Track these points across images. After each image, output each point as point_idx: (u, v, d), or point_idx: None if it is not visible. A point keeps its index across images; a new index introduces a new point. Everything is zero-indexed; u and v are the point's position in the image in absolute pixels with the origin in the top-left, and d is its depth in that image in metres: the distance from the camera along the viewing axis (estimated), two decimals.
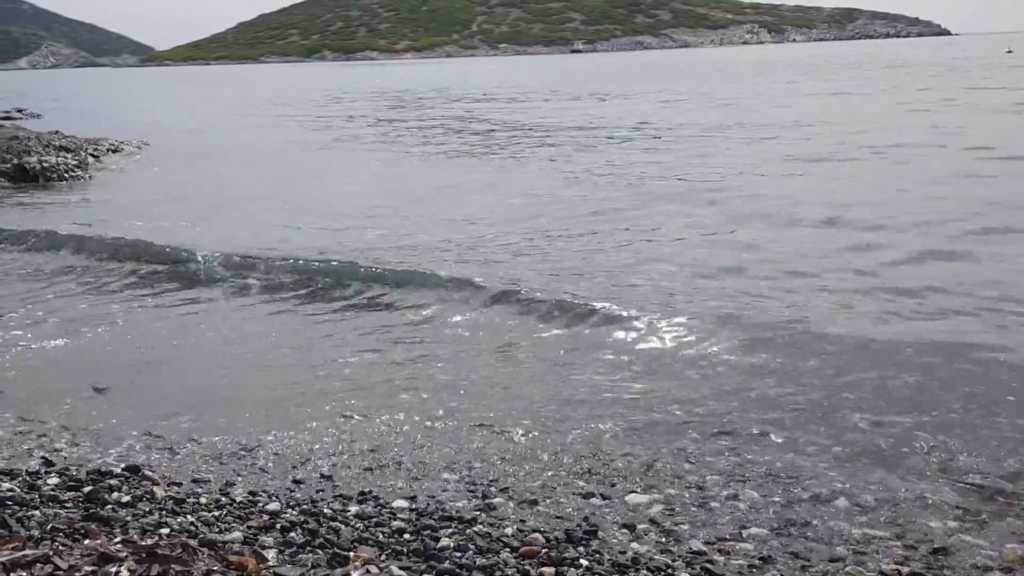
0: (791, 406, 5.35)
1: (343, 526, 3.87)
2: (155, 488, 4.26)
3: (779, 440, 4.95)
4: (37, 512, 3.65)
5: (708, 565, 3.65)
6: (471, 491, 4.43)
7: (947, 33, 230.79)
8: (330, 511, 4.12)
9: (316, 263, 9.01)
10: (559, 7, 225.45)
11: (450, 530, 3.90)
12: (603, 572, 3.51)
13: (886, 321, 6.83)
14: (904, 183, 13.00)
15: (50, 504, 3.85)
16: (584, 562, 3.57)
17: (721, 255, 9.10)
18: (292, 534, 3.71)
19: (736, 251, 9.18)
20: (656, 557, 3.72)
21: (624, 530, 4.00)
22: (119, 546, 3.05)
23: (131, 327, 7.58)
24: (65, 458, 4.82)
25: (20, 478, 4.30)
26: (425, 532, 3.86)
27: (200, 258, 9.36)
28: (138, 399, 5.86)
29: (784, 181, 13.81)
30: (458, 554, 3.56)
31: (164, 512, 3.89)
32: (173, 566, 2.82)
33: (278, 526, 3.81)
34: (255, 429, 5.29)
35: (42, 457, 4.78)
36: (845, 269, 8.36)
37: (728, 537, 3.95)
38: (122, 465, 4.68)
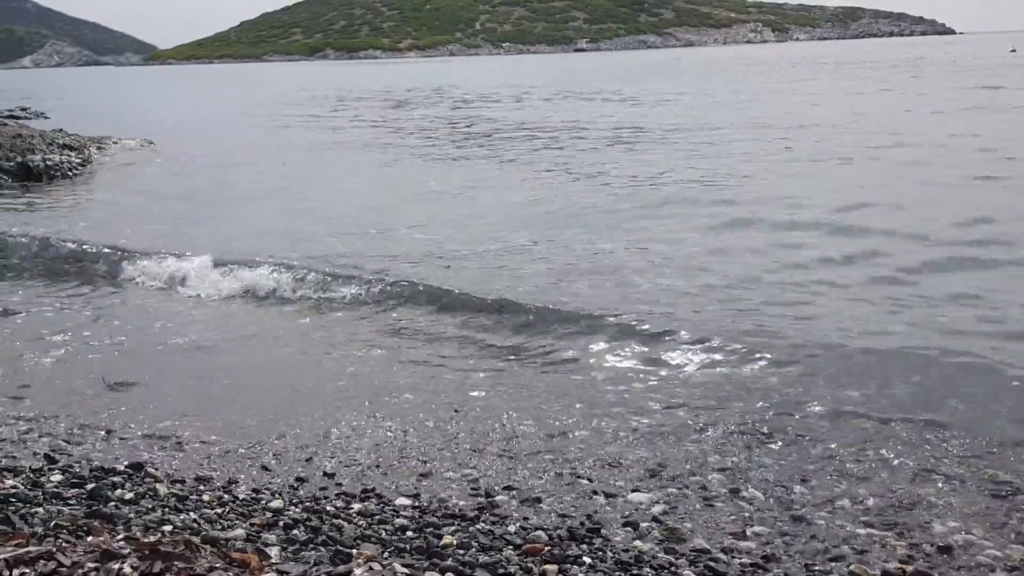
0: (793, 407, 5.35)
1: (346, 524, 3.87)
2: (158, 485, 4.26)
3: (782, 440, 4.94)
4: (40, 509, 3.66)
5: (711, 563, 3.64)
6: (474, 489, 4.43)
7: (951, 32, 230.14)
8: (333, 508, 4.12)
9: (315, 267, 8.97)
10: (562, 6, 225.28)
11: (453, 528, 3.90)
12: (606, 570, 3.51)
13: (888, 322, 6.82)
14: (916, 184, 12.95)
15: (53, 501, 3.86)
16: (587, 560, 3.57)
17: (725, 258, 9.09)
18: (295, 531, 3.71)
19: (742, 255, 9.17)
20: (659, 555, 3.72)
21: (627, 528, 4.00)
22: (122, 543, 3.05)
23: (131, 327, 7.58)
24: (69, 455, 4.83)
25: (24, 475, 4.30)
26: (428, 530, 3.86)
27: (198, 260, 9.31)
28: (141, 398, 5.87)
29: (791, 182, 13.75)
30: (461, 551, 3.56)
31: (167, 509, 3.90)
32: (176, 563, 2.82)
33: (281, 523, 3.81)
34: (256, 428, 5.29)
35: (46, 454, 4.79)
36: (846, 270, 8.34)
37: (731, 535, 3.94)
38: (125, 462, 4.69)
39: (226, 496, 4.24)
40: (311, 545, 3.51)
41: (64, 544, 2.99)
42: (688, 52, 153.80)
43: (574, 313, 7.14)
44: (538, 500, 4.30)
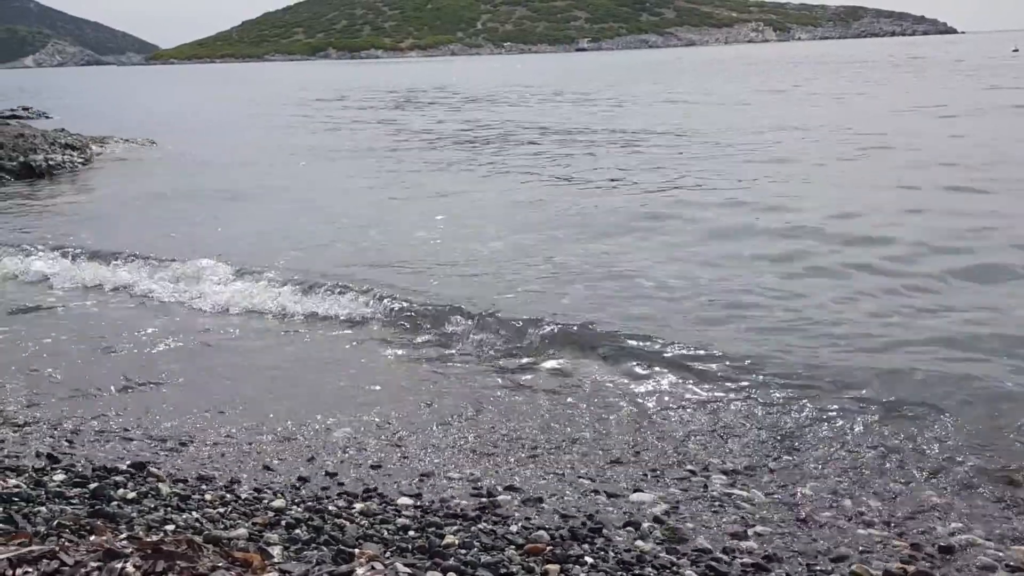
0: (794, 408, 5.35)
1: (348, 523, 3.87)
2: (160, 485, 4.26)
3: (783, 441, 4.94)
4: (43, 508, 3.66)
5: (713, 563, 3.64)
6: (476, 489, 4.43)
7: (953, 31, 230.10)
8: (335, 508, 4.12)
9: (317, 269, 8.96)
10: (564, 5, 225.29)
11: (455, 527, 3.90)
12: (608, 570, 3.51)
13: (889, 324, 6.82)
14: (916, 184, 12.93)
15: (56, 500, 3.86)
16: (589, 559, 3.57)
17: (726, 263, 9.08)
18: (297, 531, 3.71)
19: (743, 260, 9.16)
20: (661, 555, 3.72)
21: (629, 528, 4.00)
22: (124, 542, 3.05)
23: (132, 328, 7.59)
24: (71, 455, 4.84)
25: (26, 474, 4.31)
26: (430, 529, 3.86)
27: (204, 262, 9.31)
28: (143, 399, 5.88)
29: (789, 186, 13.71)
30: (463, 551, 3.56)
31: (169, 509, 3.90)
32: (178, 562, 2.82)
33: (283, 523, 3.82)
34: (258, 428, 5.30)
35: (48, 454, 4.80)
36: (847, 271, 8.33)
37: (733, 536, 3.94)
38: (128, 462, 4.69)
39: (228, 496, 4.24)
40: (313, 545, 3.52)
41: (67, 543, 3.00)
42: (689, 52, 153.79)
43: (576, 318, 7.13)
44: (540, 500, 4.30)
